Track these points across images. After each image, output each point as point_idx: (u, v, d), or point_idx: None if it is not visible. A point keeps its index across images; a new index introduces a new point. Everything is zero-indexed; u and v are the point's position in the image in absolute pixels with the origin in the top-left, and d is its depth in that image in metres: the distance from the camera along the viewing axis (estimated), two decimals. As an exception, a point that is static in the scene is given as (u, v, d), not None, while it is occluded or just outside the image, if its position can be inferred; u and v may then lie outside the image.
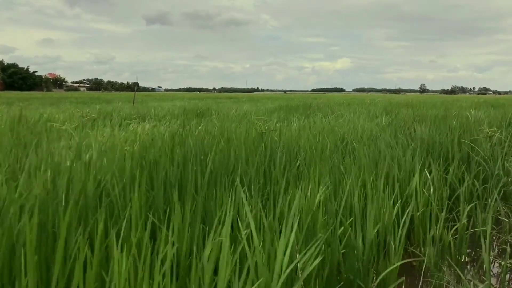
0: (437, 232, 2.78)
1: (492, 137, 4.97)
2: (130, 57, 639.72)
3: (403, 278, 2.46)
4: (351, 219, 2.40)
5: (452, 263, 2.70)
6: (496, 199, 3.18)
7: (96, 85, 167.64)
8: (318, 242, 1.90)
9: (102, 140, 4.00)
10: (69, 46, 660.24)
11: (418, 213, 2.94)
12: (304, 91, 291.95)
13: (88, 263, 1.62)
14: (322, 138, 4.61)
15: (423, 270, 2.63)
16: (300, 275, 1.74)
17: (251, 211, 2.04)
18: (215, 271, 1.71)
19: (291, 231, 1.75)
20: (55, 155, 3.08)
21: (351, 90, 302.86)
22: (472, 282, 2.26)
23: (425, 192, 3.06)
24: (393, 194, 2.81)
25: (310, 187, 2.46)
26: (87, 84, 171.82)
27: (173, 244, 1.76)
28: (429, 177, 3.31)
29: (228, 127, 5.55)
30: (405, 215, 2.54)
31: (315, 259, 1.80)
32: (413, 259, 2.71)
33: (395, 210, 2.63)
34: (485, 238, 2.39)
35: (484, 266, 2.45)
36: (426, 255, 2.59)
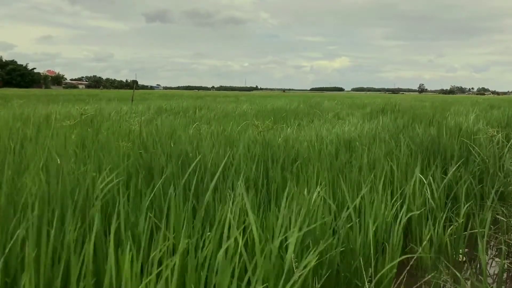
0: (435, 232, 2.78)
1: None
2: (129, 55, 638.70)
3: (400, 278, 2.46)
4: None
5: (449, 263, 2.70)
6: (493, 199, 3.18)
7: (95, 82, 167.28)
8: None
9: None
10: (68, 43, 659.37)
11: (416, 213, 2.94)
12: (303, 90, 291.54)
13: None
14: None
15: (420, 270, 2.63)
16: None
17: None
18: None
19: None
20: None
21: (350, 90, 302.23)
22: (469, 282, 2.26)
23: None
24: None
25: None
26: (86, 81, 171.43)
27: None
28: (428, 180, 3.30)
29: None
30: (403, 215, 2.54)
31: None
32: (410, 255, 2.71)
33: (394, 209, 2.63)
34: (482, 238, 2.39)
35: (481, 266, 2.45)
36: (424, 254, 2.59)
